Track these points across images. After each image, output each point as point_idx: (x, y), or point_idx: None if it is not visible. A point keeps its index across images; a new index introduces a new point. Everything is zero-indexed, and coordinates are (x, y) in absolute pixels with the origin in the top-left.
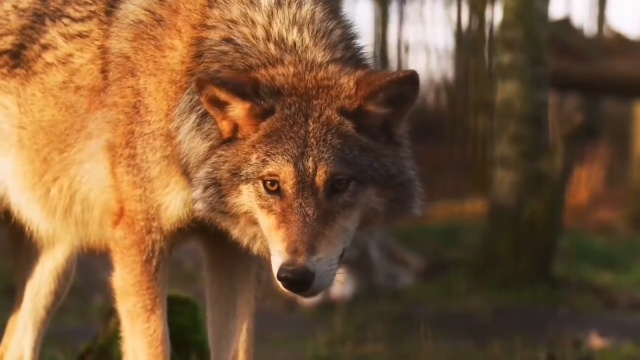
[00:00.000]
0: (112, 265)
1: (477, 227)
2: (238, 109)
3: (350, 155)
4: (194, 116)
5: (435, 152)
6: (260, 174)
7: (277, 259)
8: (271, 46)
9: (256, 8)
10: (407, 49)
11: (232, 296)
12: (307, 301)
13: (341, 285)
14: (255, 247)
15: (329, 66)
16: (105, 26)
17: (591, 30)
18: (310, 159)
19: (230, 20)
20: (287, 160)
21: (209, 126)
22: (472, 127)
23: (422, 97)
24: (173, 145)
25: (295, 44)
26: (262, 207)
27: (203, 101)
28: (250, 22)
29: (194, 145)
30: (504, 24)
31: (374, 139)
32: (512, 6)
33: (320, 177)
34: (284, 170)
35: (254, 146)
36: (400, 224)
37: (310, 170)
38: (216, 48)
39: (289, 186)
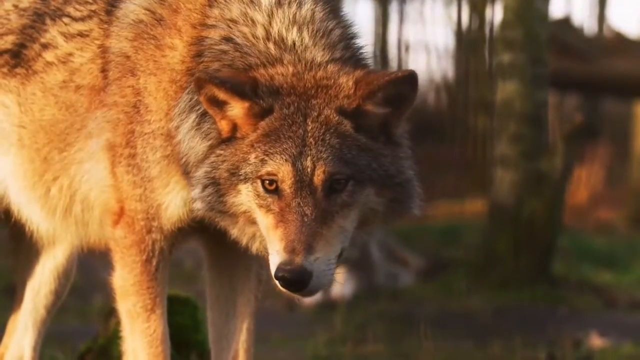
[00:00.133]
0: (112, 265)
1: (477, 227)
2: (237, 109)
3: (349, 155)
4: (193, 115)
5: (436, 151)
6: (259, 174)
7: (275, 259)
8: (271, 46)
9: (256, 7)
10: (407, 49)
11: (232, 296)
12: (307, 301)
13: (341, 285)
14: (254, 247)
15: (328, 66)
16: (106, 25)
17: (591, 30)
18: (309, 158)
19: (230, 20)
20: (286, 160)
21: (209, 126)
22: (472, 127)
23: (422, 97)
24: (173, 145)
25: (294, 44)
26: (261, 206)
27: (202, 100)
28: (250, 22)
29: (193, 144)
30: (504, 23)
31: (372, 139)
32: (512, 6)
33: (318, 177)
34: (282, 169)
35: (252, 145)
36: (400, 223)
37: (309, 169)
38: (216, 47)
39: (287, 186)
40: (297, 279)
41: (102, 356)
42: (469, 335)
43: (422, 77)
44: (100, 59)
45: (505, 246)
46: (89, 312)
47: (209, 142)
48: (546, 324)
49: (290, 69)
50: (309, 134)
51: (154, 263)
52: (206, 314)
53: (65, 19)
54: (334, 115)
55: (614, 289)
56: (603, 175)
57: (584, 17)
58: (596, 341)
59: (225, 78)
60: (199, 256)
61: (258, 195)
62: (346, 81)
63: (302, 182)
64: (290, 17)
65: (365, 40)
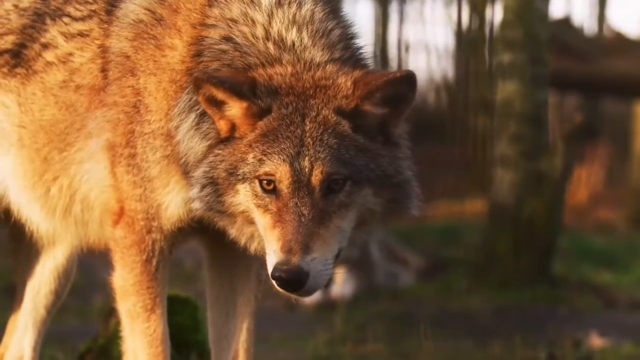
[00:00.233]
0: (112, 264)
1: (477, 227)
2: (235, 109)
3: (347, 155)
4: (192, 115)
5: (436, 151)
6: (257, 173)
7: (272, 259)
8: (270, 45)
9: (256, 7)
10: (407, 49)
11: (232, 296)
12: (307, 301)
13: (341, 285)
14: (253, 247)
15: (327, 66)
16: (106, 25)
17: (591, 30)
18: (307, 158)
19: (230, 19)
20: (283, 160)
21: (208, 125)
22: (472, 127)
23: (422, 97)
24: (173, 145)
25: (294, 44)
26: (259, 206)
27: (201, 100)
28: (250, 21)
29: (192, 144)
30: (504, 23)
31: (370, 139)
32: (512, 6)
33: (316, 177)
34: (279, 169)
35: (250, 145)
36: (400, 223)
37: (307, 170)
38: (216, 47)
39: (284, 186)
40: (294, 279)
41: (102, 356)
42: (469, 335)
43: (422, 77)
44: (100, 58)
45: (505, 246)
46: (89, 312)
47: (208, 142)
48: (546, 323)
49: (289, 69)
50: (307, 134)
51: (154, 263)
52: (206, 314)
53: (66, 19)
54: (332, 115)
55: (614, 289)
56: (603, 175)
57: (584, 17)
58: (596, 341)
59: (224, 78)
60: (199, 256)
61: (256, 195)
62: (345, 81)
63: (299, 182)
64: (290, 17)
65: (365, 40)
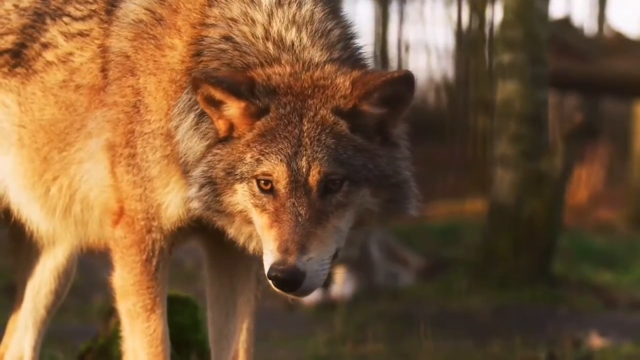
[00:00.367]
0: (112, 264)
1: (477, 227)
2: (233, 108)
3: (344, 155)
4: (192, 115)
5: (436, 151)
6: (254, 173)
7: (269, 258)
8: (270, 45)
9: (257, 7)
10: (407, 49)
11: (232, 296)
12: (307, 300)
13: (341, 284)
14: (252, 247)
15: (326, 66)
16: (106, 25)
17: (591, 30)
18: (304, 158)
19: (230, 19)
20: (281, 160)
21: (207, 125)
22: (472, 127)
23: (422, 97)
24: (173, 145)
25: (293, 44)
26: (256, 206)
27: (199, 100)
28: (250, 21)
29: (191, 144)
30: (504, 23)
31: (368, 139)
32: (512, 6)
33: (313, 177)
34: (277, 170)
35: (248, 145)
36: (400, 223)
37: (304, 170)
38: (215, 46)
39: (282, 186)
40: (290, 279)
41: (102, 356)
42: (469, 335)
43: (422, 77)
44: (100, 58)
45: (505, 246)
46: (89, 312)
47: (207, 142)
48: (546, 323)
49: (288, 68)
50: (305, 134)
51: (154, 263)
52: (206, 313)
53: (66, 19)
54: (330, 115)
55: (614, 289)
56: (603, 175)
57: (584, 17)
58: (596, 341)
59: (222, 78)
60: (199, 256)
61: (253, 195)
62: (343, 81)
63: (297, 182)
64: (290, 17)
65: (365, 40)
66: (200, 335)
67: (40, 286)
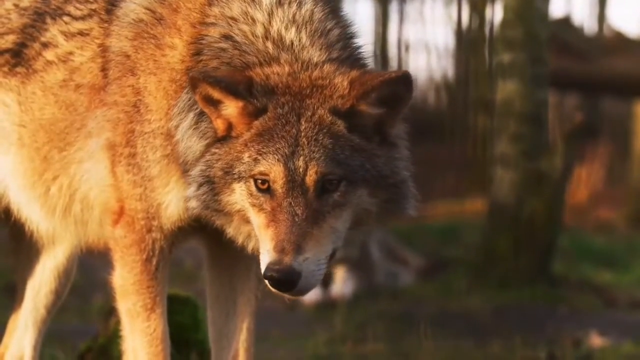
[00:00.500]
0: (112, 264)
1: (477, 226)
2: (231, 108)
3: (342, 155)
4: (191, 115)
5: (436, 151)
6: (252, 173)
7: (265, 258)
8: (269, 45)
9: (257, 6)
10: (407, 48)
11: (232, 295)
12: (307, 300)
13: (341, 284)
14: (250, 246)
15: (325, 66)
16: (106, 24)
17: (591, 29)
18: (301, 158)
19: (230, 18)
20: (278, 160)
21: (206, 125)
22: (472, 126)
23: (422, 97)
24: (173, 144)
25: (292, 43)
26: (254, 205)
27: (197, 99)
28: (250, 20)
29: (191, 144)
30: (504, 23)
31: (366, 139)
32: (512, 5)
33: (310, 177)
34: (274, 169)
35: (246, 145)
36: (400, 223)
37: (301, 169)
38: (215, 45)
39: (278, 186)
40: (286, 279)
41: (102, 355)
42: (469, 335)
43: (422, 77)
44: (100, 57)
45: (505, 246)
46: (89, 312)
47: (206, 141)
48: (546, 323)
49: (287, 68)
50: (302, 134)
51: (154, 262)
52: (206, 313)
53: (66, 18)
54: (328, 115)
55: (614, 289)
56: (603, 175)
57: (584, 17)
58: (596, 340)
59: (220, 77)
60: (199, 255)
61: (251, 195)
62: (341, 81)
63: (294, 182)
64: (290, 16)
65: (365, 39)
66: (200, 334)
67: (40, 286)
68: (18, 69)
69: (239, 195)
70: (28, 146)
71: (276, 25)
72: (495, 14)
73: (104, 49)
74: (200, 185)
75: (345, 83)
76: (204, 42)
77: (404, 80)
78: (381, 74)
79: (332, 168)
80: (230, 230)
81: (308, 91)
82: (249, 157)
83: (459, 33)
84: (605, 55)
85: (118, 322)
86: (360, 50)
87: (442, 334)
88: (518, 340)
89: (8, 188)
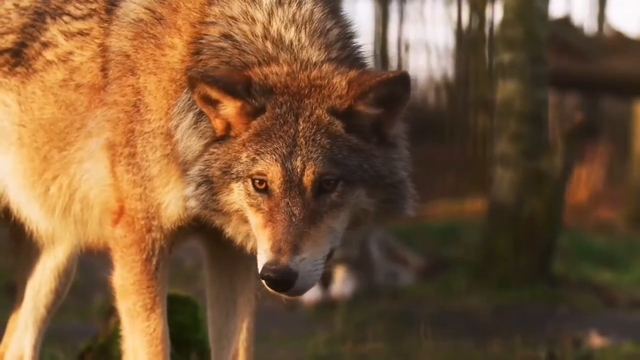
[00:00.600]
0: (112, 264)
1: (477, 226)
2: (229, 108)
3: (339, 155)
4: (191, 114)
5: (436, 151)
6: (250, 173)
7: (262, 258)
8: (268, 44)
9: (257, 6)
10: (407, 48)
11: (232, 295)
12: (307, 300)
13: (341, 284)
14: (249, 246)
15: (324, 65)
16: (106, 24)
17: (591, 29)
18: (299, 158)
19: (230, 17)
20: (275, 160)
21: (205, 124)
22: (472, 126)
23: (422, 96)
24: (173, 144)
25: (292, 43)
26: (251, 205)
27: (196, 99)
28: (250, 20)
29: (190, 143)
30: (504, 22)
31: (364, 140)
32: (512, 5)
33: (307, 177)
34: (271, 170)
35: (244, 144)
36: (399, 223)
37: (298, 170)
38: (215, 44)
39: (276, 186)
40: (282, 279)
41: (102, 355)
42: (469, 335)
43: (422, 77)
44: (100, 57)
45: (505, 245)
46: (89, 311)
47: (205, 141)
48: (546, 323)
49: (285, 68)
50: (300, 134)
51: (154, 262)
52: (206, 313)
53: (66, 18)
54: (326, 115)
55: (614, 288)
56: (603, 175)
57: (584, 16)
58: (596, 340)
59: (218, 77)
60: (199, 255)
61: (249, 194)
62: (340, 81)
63: (291, 182)
64: (290, 16)
65: (365, 39)
66: (200, 334)
67: (40, 285)
68: (18, 69)
69: (237, 195)
70: (28, 146)
71: (276, 25)
72: (495, 13)
73: (103, 49)
74: (198, 185)
75: (344, 83)
76: (203, 41)
77: (402, 80)
78: (379, 74)
79: (329, 168)
80: (229, 230)
81: (306, 91)
82: (246, 157)
83: (459, 33)
84: (605, 55)
85: (118, 322)
86: (359, 50)
87: (442, 333)
88: (518, 340)
89: (8, 188)
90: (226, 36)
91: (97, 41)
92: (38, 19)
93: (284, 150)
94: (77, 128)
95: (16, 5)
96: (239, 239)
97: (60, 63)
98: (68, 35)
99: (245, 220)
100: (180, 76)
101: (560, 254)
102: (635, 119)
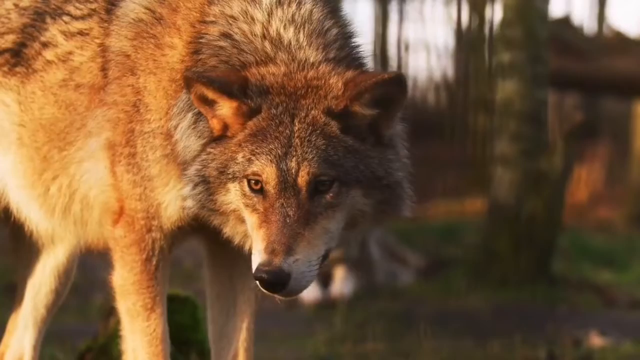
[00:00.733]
0: (112, 264)
1: (477, 226)
2: (225, 108)
3: (335, 156)
4: (190, 115)
5: (435, 150)
6: (245, 173)
7: (256, 259)
8: (267, 44)
9: (257, 5)
10: (407, 48)
11: (232, 295)
12: (307, 299)
13: (341, 283)
14: (247, 246)
15: (321, 66)
16: (106, 24)
17: (591, 29)
18: (294, 159)
19: (230, 16)
20: (270, 161)
21: (204, 124)
22: (472, 126)
23: (422, 96)
24: (172, 144)
25: (290, 43)
26: (247, 205)
27: (193, 99)
28: (250, 19)
29: (189, 143)
30: (504, 22)
31: (360, 140)
32: (512, 4)
33: (302, 178)
34: (266, 170)
35: (240, 145)
36: (399, 222)
37: (293, 170)
38: (214, 43)
39: (271, 186)
40: (275, 280)
41: (102, 355)
42: (468, 334)
43: (422, 77)
44: (100, 57)
45: (504, 245)
46: (89, 311)
47: (204, 141)
48: (546, 322)
49: (282, 68)
50: (295, 135)
51: (154, 262)
52: (206, 312)
53: (66, 18)
54: (321, 116)
55: (614, 288)
56: (603, 174)
57: (584, 16)
58: (596, 340)
59: (214, 77)
60: (198, 255)
61: (244, 195)
62: (336, 82)
63: (286, 182)
64: (289, 16)
65: (365, 39)
66: (200, 334)
67: (40, 285)
68: (18, 69)
69: (233, 195)
70: (28, 146)
71: (275, 25)
72: (495, 13)
73: (103, 49)
74: (195, 185)
75: (340, 84)
76: (203, 40)
77: (398, 81)
78: (375, 75)
79: (324, 169)
80: (227, 230)
81: (303, 92)
82: (242, 157)
83: (459, 33)
84: (605, 55)
85: (118, 322)
86: (358, 50)
87: (442, 333)
88: (518, 339)
89: (7, 187)
90: (225, 35)
91: (97, 41)
92: (38, 19)
93: (279, 151)
94: (77, 128)
95: (16, 5)
96: (237, 239)
97: (60, 63)
98: (68, 35)
99: (242, 220)
100: (179, 76)
101: (560, 253)
102: (635, 119)
